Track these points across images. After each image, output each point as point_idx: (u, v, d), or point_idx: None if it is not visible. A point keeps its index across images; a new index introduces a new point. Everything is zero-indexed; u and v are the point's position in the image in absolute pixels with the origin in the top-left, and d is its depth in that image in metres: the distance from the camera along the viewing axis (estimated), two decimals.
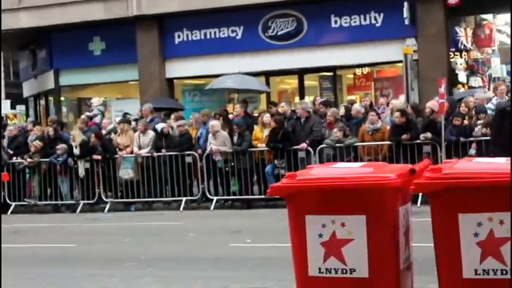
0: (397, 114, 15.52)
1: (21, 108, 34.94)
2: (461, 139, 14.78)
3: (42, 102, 27.31)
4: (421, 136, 15.13)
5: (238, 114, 17.64)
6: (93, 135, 17.58)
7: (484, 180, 4.21)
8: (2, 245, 7.06)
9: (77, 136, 17.78)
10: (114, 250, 11.39)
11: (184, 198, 16.71)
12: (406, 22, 19.91)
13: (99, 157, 17.08)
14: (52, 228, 14.76)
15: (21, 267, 9.59)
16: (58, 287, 8.13)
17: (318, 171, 4.93)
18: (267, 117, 16.79)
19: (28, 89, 28.45)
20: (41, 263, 10.26)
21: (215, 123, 16.74)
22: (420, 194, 13.27)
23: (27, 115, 29.55)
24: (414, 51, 19.62)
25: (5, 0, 23.08)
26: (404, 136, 15.13)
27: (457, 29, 20.51)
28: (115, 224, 14.81)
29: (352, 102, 18.61)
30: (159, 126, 17.49)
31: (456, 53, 20.43)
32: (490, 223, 4.29)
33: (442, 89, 15.24)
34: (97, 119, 19.74)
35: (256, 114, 18.63)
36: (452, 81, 19.81)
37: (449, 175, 4.34)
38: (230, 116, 18.16)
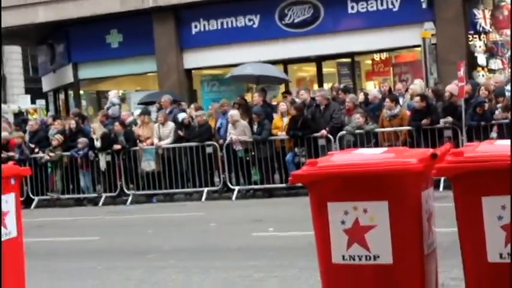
0: (417, 98, 15.43)
1: (41, 102, 35.17)
2: (482, 123, 14.69)
3: (62, 96, 27.44)
4: (442, 121, 15.05)
5: (257, 103, 17.62)
6: (117, 123, 17.63)
7: (507, 163, 4.17)
8: (25, 239, 7.10)
9: (97, 129, 17.85)
10: (136, 242, 11.43)
11: (205, 189, 16.74)
12: (424, 6, 19.80)
13: (118, 147, 17.12)
14: (75, 222, 14.84)
15: (45, 261, 9.65)
16: (81, 280, 8.17)
17: (339, 158, 4.90)
18: (283, 106, 16.79)
19: (47, 83, 28.58)
20: (64, 257, 10.32)
21: (234, 113, 16.73)
22: (442, 179, 13.23)
23: (47, 109, 29.71)
24: (432, 35, 19.50)
25: None
26: (424, 121, 15.05)
27: (475, 11, 20.35)
28: (137, 216, 14.86)
29: (367, 93, 18.47)
30: (180, 116, 17.52)
31: (475, 36, 20.28)
32: None
33: (462, 73, 15.16)
34: (111, 111, 19.70)
35: (275, 103, 18.62)
36: (472, 64, 19.67)
37: (472, 158, 4.30)
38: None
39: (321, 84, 22.00)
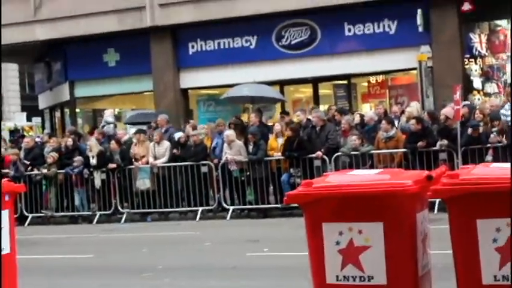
0: (412, 121, 15.48)
1: (37, 120, 35.14)
2: (478, 146, 14.72)
3: (58, 114, 27.42)
4: (438, 143, 15.08)
5: (254, 123, 17.64)
6: (113, 141, 17.66)
7: (502, 186, 4.18)
8: (19, 256, 7.09)
9: (93, 146, 17.84)
10: (131, 260, 11.40)
11: (200, 208, 16.72)
12: (420, 29, 19.87)
13: (114, 165, 17.13)
14: (69, 239, 14.80)
15: (39, 278, 9.61)
16: None
17: (334, 179, 4.91)
18: (278, 127, 16.83)
19: (44, 101, 28.58)
20: (58, 274, 10.28)
21: (230, 133, 16.76)
22: (437, 201, 13.24)
23: (43, 127, 29.69)
24: (428, 58, 19.58)
25: (19, 13, 23.28)
26: (420, 143, 15.09)
27: (471, 35, 20.44)
28: (132, 235, 14.83)
29: (363, 115, 18.46)
30: (177, 135, 17.55)
31: (471, 60, 20.34)
32: (508, 228, 4.26)
33: (457, 96, 15.21)
34: (106, 129, 19.74)
35: (271, 124, 18.65)
36: (468, 88, 19.73)
37: (467, 181, 4.32)
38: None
39: (317, 106, 22.03)
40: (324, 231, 4.65)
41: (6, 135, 29.24)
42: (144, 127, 19.72)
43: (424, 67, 19.27)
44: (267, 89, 20.22)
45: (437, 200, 13.02)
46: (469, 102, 17.82)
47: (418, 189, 4.48)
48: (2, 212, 6.81)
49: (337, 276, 4.63)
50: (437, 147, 15.10)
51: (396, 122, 16.64)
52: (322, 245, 4.66)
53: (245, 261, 10.59)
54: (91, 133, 20.56)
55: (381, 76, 22.09)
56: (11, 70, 48.14)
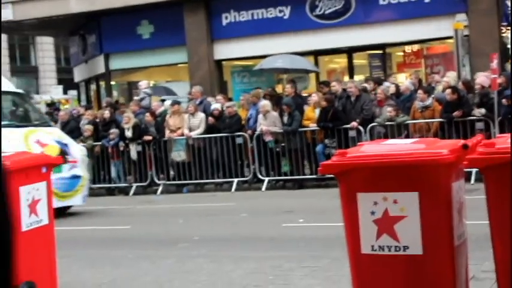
0: (448, 91, 15.34)
1: (72, 93, 35.44)
2: None
3: (93, 86, 27.63)
4: (475, 112, 14.93)
5: (289, 93, 17.61)
6: (147, 114, 17.77)
7: None
8: (56, 228, 7.18)
9: (131, 118, 17.94)
10: (167, 231, 11.50)
11: (235, 180, 16.78)
12: None
13: (149, 138, 17.24)
14: (106, 211, 14.96)
15: (77, 250, 9.74)
16: (113, 268, 8.24)
17: (369, 148, 4.88)
18: (315, 97, 16.78)
19: (79, 74, 28.78)
20: (96, 245, 10.41)
21: (265, 103, 16.75)
22: (474, 172, 13.14)
23: (79, 100, 29.94)
24: (465, 26, 19.32)
25: None
26: (456, 113, 14.96)
27: (508, 2, 20.10)
28: (168, 206, 14.94)
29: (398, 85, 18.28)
30: (217, 106, 17.60)
31: (508, 28, 20.05)
32: None
33: (494, 64, 15.03)
34: (144, 102, 19.90)
35: (305, 94, 18.60)
36: (505, 56, 19.47)
37: (503, 149, 4.27)
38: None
39: (351, 76, 21.92)
40: (359, 201, 4.63)
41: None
42: (179, 98, 19.79)
43: (460, 36, 19.01)
44: (300, 60, 20.16)
45: (474, 170, 12.93)
46: (507, 71, 17.58)
47: (453, 158, 4.43)
48: (39, 184, 6.89)
49: (372, 246, 4.62)
50: (473, 116, 14.96)
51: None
52: (357, 215, 4.64)
53: (281, 232, 10.63)
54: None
55: (416, 45, 21.89)
56: (46, 44, 48.51)
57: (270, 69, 20.39)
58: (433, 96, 15.90)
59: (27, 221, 6.68)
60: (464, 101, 15.24)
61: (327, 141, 16.10)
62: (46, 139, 14.11)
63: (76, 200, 14.20)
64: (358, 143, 5.46)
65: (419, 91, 15.78)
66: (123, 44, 24.04)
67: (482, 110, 14.85)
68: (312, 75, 21.92)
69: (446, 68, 19.98)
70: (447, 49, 20.95)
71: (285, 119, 16.58)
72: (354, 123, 15.79)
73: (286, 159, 16.64)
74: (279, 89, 20.10)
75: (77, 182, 14.16)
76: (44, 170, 6.99)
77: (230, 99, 18.84)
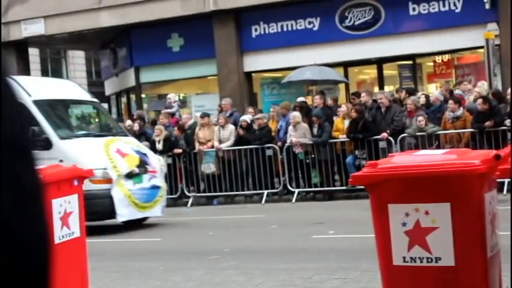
0: (479, 101, 15.23)
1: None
2: None
3: (124, 99, 27.80)
4: (507, 121, 14.80)
5: (318, 105, 17.59)
6: (176, 128, 17.86)
7: None
8: (88, 240, 7.23)
9: (162, 131, 18.02)
10: (197, 244, 11.51)
11: (265, 191, 16.77)
12: (487, 6, 19.50)
13: (180, 151, 17.31)
14: (137, 223, 14.99)
15: (109, 261, 9.79)
16: (144, 280, 8.26)
17: (400, 159, 4.86)
18: (344, 108, 16.76)
19: (110, 87, 28.99)
20: (128, 257, 10.45)
21: (296, 115, 16.74)
22: (506, 182, 13.02)
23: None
24: (496, 35, 19.18)
25: (84, 1, 23.59)
26: (487, 123, 14.84)
27: None
28: (198, 218, 14.97)
29: (428, 95, 18.19)
30: (245, 117, 17.64)
31: None
32: None
33: None
34: (175, 109, 20.06)
35: (334, 105, 18.57)
36: None
37: None
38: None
39: (381, 87, 21.85)
40: (390, 212, 4.60)
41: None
42: (210, 111, 19.86)
43: (491, 45, 18.89)
44: (329, 71, 20.14)
45: (507, 181, 12.82)
46: None
47: (485, 168, 4.39)
48: (71, 196, 6.94)
49: (404, 258, 4.58)
50: (505, 126, 14.83)
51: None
52: (389, 227, 4.61)
53: (311, 244, 10.60)
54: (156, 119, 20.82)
55: (447, 55, 21.78)
56: (78, 57, 48.94)
57: (299, 81, 20.40)
58: (463, 107, 15.79)
59: (59, 234, 6.73)
60: (495, 111, 15.12)
61: (357, 152, 16.06)
62: (126, 149, 14.02)
63: (155, 211, 13.97)
64: (389, 154, 5.43)
65: (450, 101, 15.68)
66: (153, 57, 24.19)
67: None
68: (342, 87, 21.88)
69: (477, 78, 19.85)
70: (478, 59, 20.81)
71: (315, 130, 16.56)
72: (384, 134, 15.73)
73: (316, 171, 16.60)
74: (308, 100, 20.09)
75: (156, 193, 13.95)
76: (75, 182, 7.04)
77: (260, 111, 18.84)
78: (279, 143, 16.75)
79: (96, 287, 7.63)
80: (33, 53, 34.78)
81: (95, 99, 16.02)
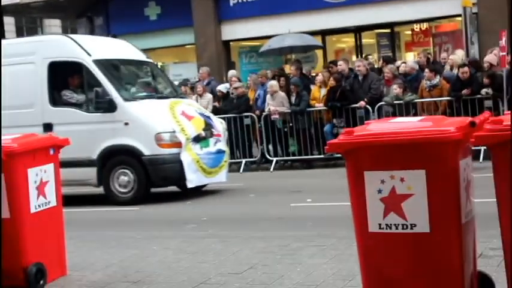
0: (462, 69, 15.15)
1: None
2: None
3: None
4: (483, 91, 14.85)
5: (294, 75, 17.56)
6: None
7: None
8: (65, 210, 7.21)
9: None
10: (175, 212, 11.52)
11: (243, 160, 16.79)
12: None
13: None
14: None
15: (86, 231, 9.77)
16: (122, 249, 8.25)
17: (376, 127, 4.86)
18: (320, 77, 16.75)
19: None
20: (105, 226, 10.43)
21: (274, 83, 16.72)
22: (482, 150, 13.11)
23: None
24: (473, 4, 19.19)
25: None
26: (465, 91, 14.89)
27: None
28: (175, 187, 14.92)
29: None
30: (222, 86, 17.56)
31: None
32: None
33: (503, 42, 14.93)
34: None
35: (314, 74, 18.55)
36: None
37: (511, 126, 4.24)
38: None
39: (360, 55, 21.83)
40: (366, 179, 4.62)
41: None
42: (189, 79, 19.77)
43: (469, 13, 18.88)
44: (309, 38, 20.07)
45: (483, 148, 12.91)
46: None
47: (461, 135, 4.41)
48: (47, 165, 6.90)
49: (379, 225, 4.61)
50: (481, 95, 14.88)
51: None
52: (364, 194, 4.63)
53: (289, 212, 10.64)
54: None
55: (425, 24, 21.76)
56: (54, 26, 48.46)
57: (279, 49, 20.29)
58: (440, 75, 15.81)
59: (35, 203, 6.70)
60: (473, 79, 15.16)
61: (335, 120, 16.08)
62: (191, 111, 13.38)
63: (220, 177, 13.37)
64: (365, 122, 5.43)
65: (427, 70, 15.69)
66: (130, 26, 23.98)
67: (489, 91, 14.75)
68: (320, 56, 21.83)
69: (455, 46, 19.86)
70: (456, 27, 20.82)
71: (293, 99, 16.54)
72: (362, 103, 15.75)
73: (294, 139, 16.62)
74: (287, 69, 20.05)
75: (222, 157, 13.39)
76: (51, 151, 6.99)
77: (239, 80, 18.78)
78: (257, 112, 16.73)
79: (74, 256, 7.62)
80: (9, 22, 34.45)
81: (151, 60, 15.38)
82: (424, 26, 21.84)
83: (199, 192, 13.70)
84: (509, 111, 4.45)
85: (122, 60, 14.25)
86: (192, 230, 9.53)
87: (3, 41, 15.96)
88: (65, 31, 49.43)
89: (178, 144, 12.52)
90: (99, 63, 13.03)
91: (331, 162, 16.01)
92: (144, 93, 13.99)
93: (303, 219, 9.72)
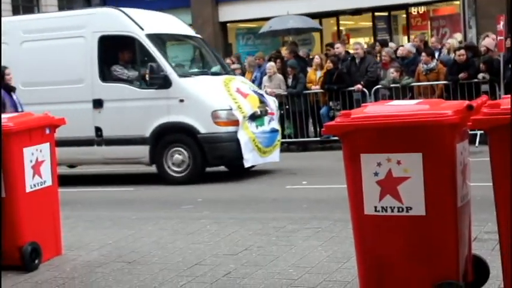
0: (459, 52, 15.13)
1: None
2: None
3: None
4: (480, 75, 14.84)
5: (288, 58, 17.50)
6: None
7: None
8: (60, 190, 7.20)
9: None
10: (171, 193, 11.52)
11: None
12: None
13: None
14: (110, 173, 14.95)
15: (81, 211, 9.78)
16: (117, 229, 8.26)
17: (373, 109, 4.85)
18: (317, 59, 16.71)
19: None
20: (100, 206, 10.44)
21: (272, 65, 16.68)
22: (478, 134, 13.12)
23: None
24: None
25: None
26: (462, 75, 14.87)
27: None
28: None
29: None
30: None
31: None
32: None
33: (501, 26, 14.90)
34: None
35: (311, 57, 18.51)
36: None
37: (508, 110, 4.23)
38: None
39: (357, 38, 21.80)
40: (362, 162, 4.61)
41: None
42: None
43: None
44: (310, 21, 20.02)
45: (479, 133, 12.92)
46: None
47: (458, 119, 4.40)
48: (43, 145, 6.88)
49: (375, 207, 4.61)
50: (479, 78, 14.87)
51: (437, 54, 16.40)
52: (361, 176, 4.62)
53: (285, 194, 10.65)
54: None
55: (423, 7, 21.72)
56: (51, 6, 48.24)
57: (280, 30, 20.19)
58: (437, 59, 15.80)
59: (30, 182, 6.70)
60: (470, 63, 15.14)
61: (331, 103, 16.06)
62: (245, 88, 13.01)
63: (274, 156, 12.94)
64: (362, 105, 5.42)
65: (423, 54, 15.67)
66: (127, 5, 23.70)
67: (486, 75, 14.74)
68: (317, 38, 21.79)
69: (452, 30, 19.84)
70: (454, 11, 20.81)
71: (289, 81, 16.51)
72: (359, 86, 15.73)
73: (290, 122, 16.60)
74: (283, 51, 20.01)
75: (275, 136, 13.04)
76: (47, 131, 6.97)
77: (239, 61, 18.71)
78: None
79: (69, 236, 7.63)
80: (5, 1, 34.24)
81: (199, 35, 15.01)
82: (422, 9, 21.81)
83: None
84: (506, 96, 4.44)
85: (173, 35, 13.92)
86: (188, 211, 9.54)
87: (49, 15, 15.70)
88: (61, 9, 49.21)
89: (235, 122, 12.12)
90: (152, 37, 12.65)
91: (328, 145, 16.01)
92: (197, 70, 13.63)
93: (299, 201, 9.74)
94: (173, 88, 12.25)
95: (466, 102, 4.65)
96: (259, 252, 6.75)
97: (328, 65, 16.15)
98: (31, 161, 6.70)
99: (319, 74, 16.38)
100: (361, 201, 4.65)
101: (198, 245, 7.19)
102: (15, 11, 45.65)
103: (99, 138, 12.66)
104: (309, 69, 17.03)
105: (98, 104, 12.61)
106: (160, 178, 12.59)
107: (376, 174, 4.58)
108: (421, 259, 4.56)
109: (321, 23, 21.87)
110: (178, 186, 12.13)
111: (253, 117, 12.44)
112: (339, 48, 17.19)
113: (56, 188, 7.06)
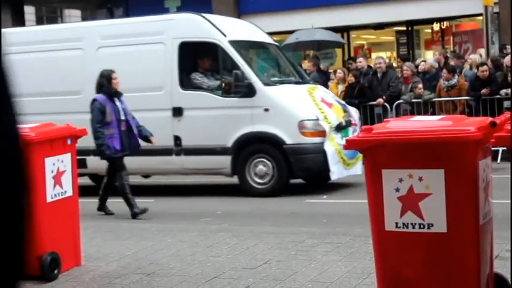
0: (482, 68, 15.05)
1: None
2: None
3: None
4: (502, 91, 14.75)
5: (310, 71, 17.49)
6: None
7: None
8: (81, 200, 7.21)
9: None
10: (191, 205, 11.52)
11: None
12: None
13: None
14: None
15: (101, 221, 9.80)
16: (137, 240, 8.25)
17: (395, 125, 4.82)
18: (340, 73, 16.67)
19: None
20: (120, 217, 10.45)
21: None
22: (500, 150, 13.03)
23: None
24: (495, 3, 19.05)
25: None
26: (484, 90, 14.79)
27: None
28: (191, 180, 14.93)
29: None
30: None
31: None
32: None
33: None
34: None
35: (331, 71, 18.49)
36: None
37: None
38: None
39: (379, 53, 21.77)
40: (384, 177, 4.58)
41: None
42: None
43: (490, 12, 18.76)
44: (335, 35, 20.01)
45: (501, 149, 12.83)
46: None
47: (481, 136, 4.36)
48: (64, 155, 6.90)
49: (396, 223, 4.57)
50: (501, 95, 14.78)
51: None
52: (382, 192, 4.59)
53: (304, 208, 10.61)
54: None
55: (445, 22, 21.65)
56: (74, 17, 48.55)
57: (307, 42, 20.12)
58: (458, 74, 15.71)
59: (51, 193, 6.71)
60: (492, 79, 15.06)
61: None
62: (329, 98, 12.69)
63: (357, 169, 12.27)
64: (384, 120, 5.39)
65: (444, 70, 15.60)
66: (148, 15, 23.96)
67: (509, 91, 14.65)
68: (339, 52, 21.76)
69: (475, 46, 19.75)
70: (476, 26, 20.70)
71: None
72: (380, 100, 15.68)
73: None
74: (305, 65, 20.01)
75: None
76: (69, 141, 7.00)
77: None
78: None
79: (88, 247, 7.63)
80: (29, 11, 34.50)
81: (276, 43, 14.67)
82: (445, 24, 21.74)
83: (215, 186, 13.66)
84: None
85: (253, 42, 13.59)
86: (207, 224, 9.53)
87: (127, 20, 15.34)
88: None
89: (322, 133, 11.74)
90: (234, 44, 12.32)
91: None
92: (280, 78, 13.28)
93: (318, 215, 9.70)
94: (258, 97, 11.88)
95: (490, 118, 4.62)
96: (279, 266, 6.72)
97: (350, 78, 16.12)
98: (52, 171, 6.72)
99: (341, 87, 16.34)
100: (382, 217, 4.62)
101: (217, 258, 7.17)
102: (39, 21, 46.08)
103: (178, 148, 12.29)
104: (330, 83, 17.00)
105: (177, 112, 12.25)
106: (241, 190, 12.23)
107: (397, 190, 4.55)
108: (442, 277, 4.51)
109: (342, 37, 21.86)
110: (198, 199, 12.12)
111: (339, 128, 12.08)
112: (361, 62, 17.16)
113: (76, 198, 7.07)
